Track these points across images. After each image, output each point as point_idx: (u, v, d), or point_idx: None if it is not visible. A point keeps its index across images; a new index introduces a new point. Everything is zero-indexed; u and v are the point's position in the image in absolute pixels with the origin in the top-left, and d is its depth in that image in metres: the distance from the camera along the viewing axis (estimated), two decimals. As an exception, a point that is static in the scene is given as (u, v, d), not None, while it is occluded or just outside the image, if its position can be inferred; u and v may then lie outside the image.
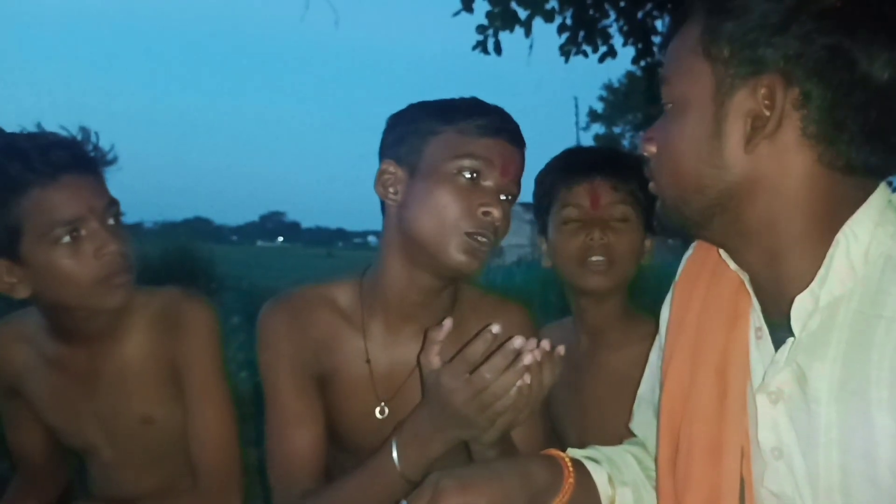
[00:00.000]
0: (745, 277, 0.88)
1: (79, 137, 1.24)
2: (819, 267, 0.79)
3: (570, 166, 1.44)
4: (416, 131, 1.18)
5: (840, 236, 0.79)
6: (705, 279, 0.95)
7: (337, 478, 1.21)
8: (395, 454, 1.07)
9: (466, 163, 1.14)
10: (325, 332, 1.24)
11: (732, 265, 0.89)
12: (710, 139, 0.81)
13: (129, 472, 1.39)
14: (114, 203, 1.26)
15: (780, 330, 0.84)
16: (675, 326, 0.98)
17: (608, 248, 1.37)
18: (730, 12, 0.79)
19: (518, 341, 0.97)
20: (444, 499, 0.82)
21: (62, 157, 1.20)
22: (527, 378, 0.99)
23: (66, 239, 1.19)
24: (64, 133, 1.24)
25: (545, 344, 1.00)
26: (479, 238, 1.14)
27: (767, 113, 0.78)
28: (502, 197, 1.17)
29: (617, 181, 1.40)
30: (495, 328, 0.99)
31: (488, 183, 1.16)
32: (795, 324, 0.80)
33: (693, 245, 1.02)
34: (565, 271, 1.43)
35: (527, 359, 0.97)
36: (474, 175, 1.15)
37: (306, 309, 1.25)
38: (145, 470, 1.39)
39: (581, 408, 1.45)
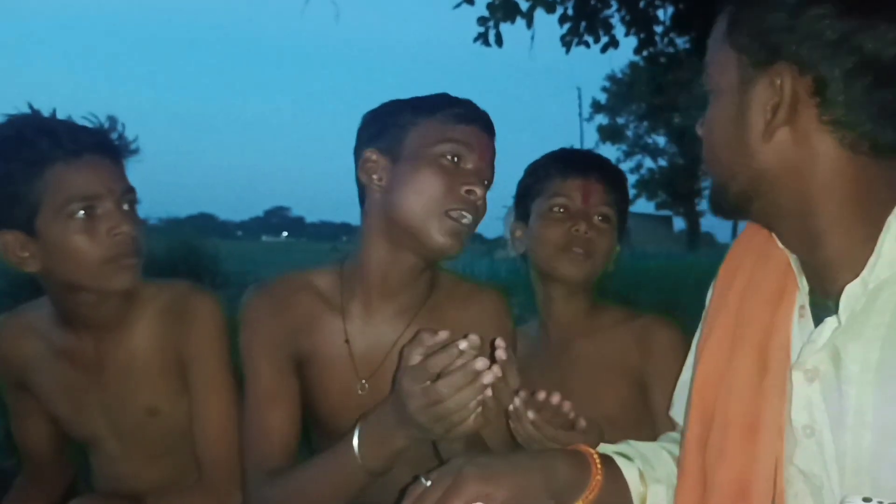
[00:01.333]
0: (792, 256, 0.90)
1: (105, 125, 1.30)
2: (863, 250, 0.80)
3: (569, 161, 1.53)
4: (395, 123, 1.26)
5: (891, 219, 0.80)
6: (751, 259, 0.96)
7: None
8: (355, 442, 1.08)
9: (448, 147, 1.22)
10: (305, 314, 1.29)
11: (780, 244, 0.91)
12: (736, 127, 0.84)
13: (133, 465, 1.41)
14: (131, 190, 1.30)
15: (821, 308, 0.86)
16: (716, 305, 0.99)
17: (589, 243, 1.45)
18: (750, 2, 0.83)
19: (480, 363, 0.97)
20: (465, 486, 0.83)
21: (88, 138, 1.26)
22: (488, 392, 0.99)
23: (81, 214, 1.23)
24: (93, 120, 1.30)
25: (501, 353, 1.02)
26: (463, 216, 1.21)
27: (783, 100, 0.80)
28: (482, 179, 1.24)
29: (607, 185, 1.49)
30: (462, 344, 0.99)
31: (469, 165, 1.23)
32: (844, 310, 0.80)
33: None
34: (543, 257, 1.48)
35: (487, 378, 0.97)
36: (455, 158, 1.22)
37: (286, 293, 1.30)
38: (150, 462, 1.41)
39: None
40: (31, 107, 1.28)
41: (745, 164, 0.84)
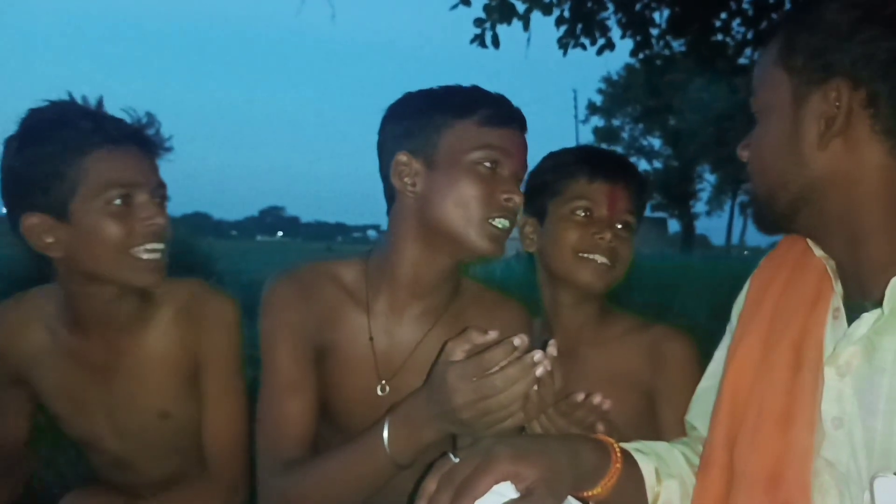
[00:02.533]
0: (829, 263, 0.96)
1: (144, 120, 1.30)
2: None
3: (596, 163, 1.45)
4: (428, 124, 1.21)
5: None
6: (787, 269, 1.04)
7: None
8: (385, 434, 1.07)
9: (485, 153, 1.20)
10: (329, 306, 1.27)
11: (818, 252, 0.97)
12: (789, 140, 0.91)
13: (136, 463, 1.40)
14: (163, 185, 1.30)
15: (854, 310, 0.91)
16: (750, 311, 1.05)
17: (612, 252, 1.39)
18: (803, 25, 0.90)
19: (538, 355, 0.98)
20: (496, 463, 0.82)
21: (130, 129, 1.27)
22: (535, 387, 1.00)
23: (118, 202, 1.22)
24: (132, 114, 1.30)
25: (552, 350, 1.02)
26: (503, 222, 1.21)
27: (838, 114, 0.87)
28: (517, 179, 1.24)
29: (633, 192, 1.44)
30: (517, 341, 0.99)
31: (506, 171, 1.21)
32: (888, 303, 0.85)
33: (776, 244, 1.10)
34: (557, 260, 1.42)
35: (539, 370, 0.98)
36: (493, 165, 1.20)
37: (311, 283, 1.27)
38: (152, 461, 1.40)
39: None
40: (70, 95, 1.27)
41: (798, 172, 0.91)
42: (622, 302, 1.52)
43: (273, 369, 1.23)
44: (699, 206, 35.23)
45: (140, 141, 1.28)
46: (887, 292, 0.85)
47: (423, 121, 1.22)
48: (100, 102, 1.28)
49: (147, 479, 1.40)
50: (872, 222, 0.89)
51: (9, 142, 1.24)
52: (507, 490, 0.81)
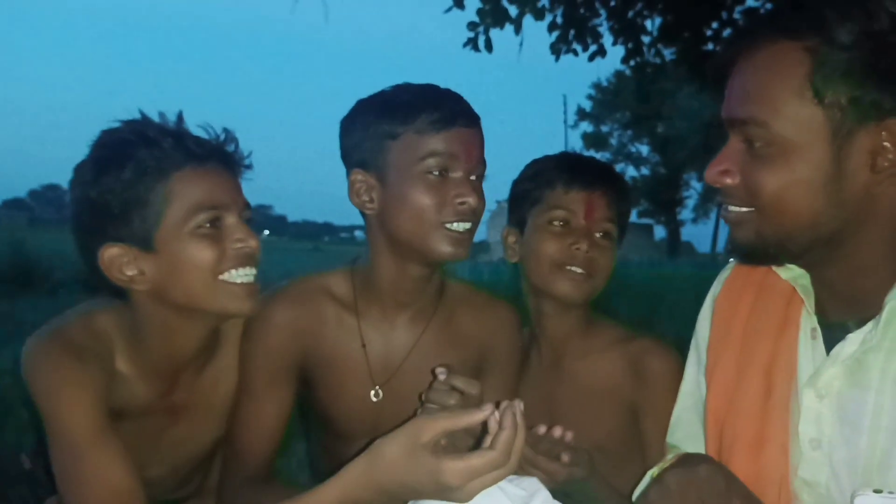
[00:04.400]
0: (799, 284, 0.94)
1: (223, 137, 1.19)
2: None
3: (573, 170, 1.41)
4: (373, 136, 1.21)
5: None
6: (751, 292, 1.02)
7: (331, 467, 1.14)
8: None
9: (431, 162, 1.18)
10: (322, 320, 1.29)
11: (786, 275, 0.95)
12: (829, 182, 0.85)
13: (165, 482, 1.31)
14: (248, 206, 1.19)
15: (834, 330, 0.91)
16: (719, 335, 1.04)
17: (590, 262, 1.36)
18: (839, 60, 0.83)
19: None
20: None
21: (212, 147, 1.17)
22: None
23: (207, 227, 1.12)
24: (209, 130, 1.19)
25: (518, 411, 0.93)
26: (462, 225, 1.20)
27: (889, 155, 0.83)
28: (472, 177, 1.21)
29: (612, 199, 1.39)
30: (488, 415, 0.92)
31: (457, 174, 1.19)
32: (887, 319, 0.86)
33: (729, 266, 1.09)
34: (538, 273, 1.39)
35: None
36: (442, 171, 1.19)
37: (302, 300, 1.29)
38: (179, 481, 1.34)
39: (549, 418, 1.44)
40: (142, 113, 1.15)
41: (835, 214, 0.86)
42: (607, 309, 1.51)
43: (248, 392, 1.26)
44: (685, 214, 35.49)
45: (223, 159, 1.17)
46: (886, 308, 0.85)
47: (369, 134, 1.21)
48: (180, 118, 1.16)
49: (164, 490, 1.32)
50: (886, 254, 0.88)
51: (80, 169, 1.13)
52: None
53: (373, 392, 1.28)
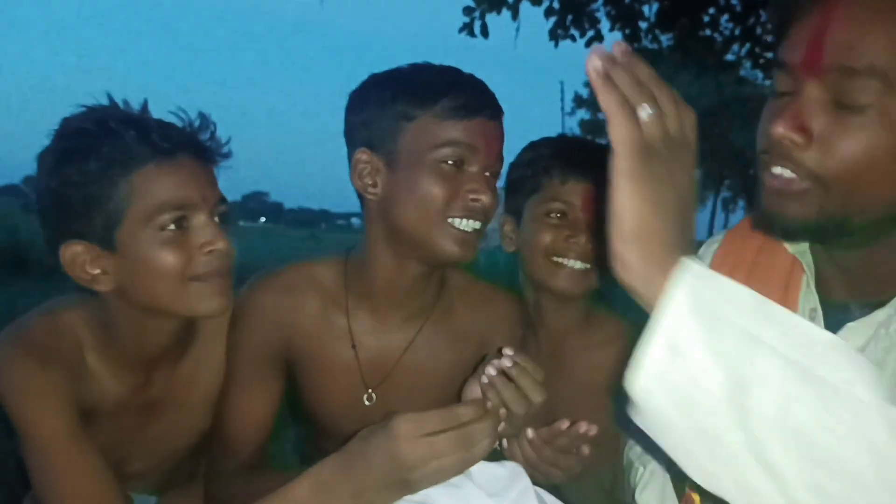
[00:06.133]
0: (804, 260, 0.88)
1: (196, 124, 1.11)
2: None
3: (571, 159, 1.33)
4: (386, 115, 1.11)
5: None
6: (744, 270, 0.94)
7: (311, 453, 1.25)
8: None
9: (449, 151, 1.08)
10: (309, 314, 1.21)
11: (793, 249, 0.88)
12: None
13: (148, 474, 1.30)
14: (223, 201, 1.12)
15: (835, 308, 0.85)
16: None
17: (588, 256, 1.31)
18: None
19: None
20: None
21: (182, 137, 1.08)
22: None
23: (172, 227, 1.05)
24: (182, 116, 1.11)
25: (506, 360, 0.97)
26: (472, 224, 1.11)
27: None
28: (487, 174, 1.12)
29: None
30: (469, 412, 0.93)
31: (473, 168, 1.10)
32: None
33: (714, 240, 1.02)
34: (532, 264, 1.35)
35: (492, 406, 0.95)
36: (458, 162, 1.09)
37: (289, 291, 1.21)
38: (162, 471, 1.32)
39: (547, 412, 1.43)
40: (111, 98, 1.09)
41: None
42: (607, 298, 1.47)
43: (235, 380, 1.22)
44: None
45: (194, 150, 1.08)
46: None
47: (383, 113, 1.11)
48: (144, 107, 1.10)
49: (145, 484, 1.31)
50: None
51: (43, 157, 1.07)
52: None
53: (365, 396, 1.21)
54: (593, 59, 0.64)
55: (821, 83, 0.76)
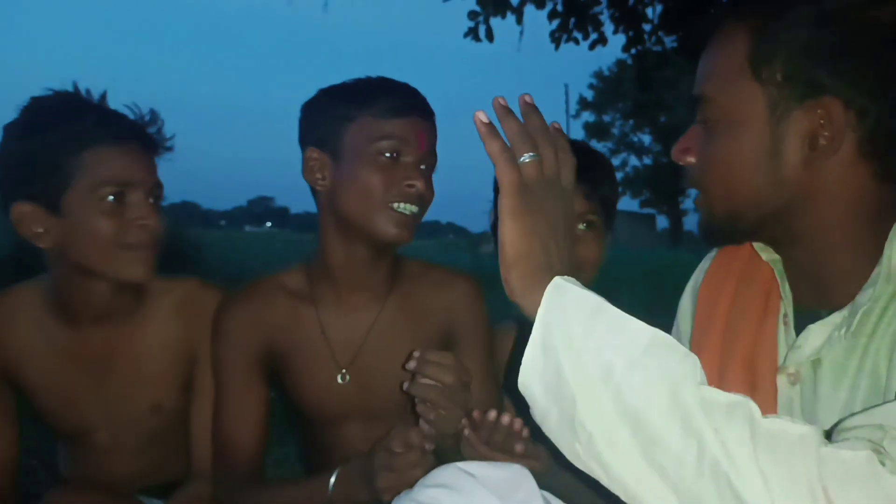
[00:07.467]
0: (777, 267, 0.94)
1: (147, 118, 1.30)
2: (867, 262, 0.85)
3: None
4: (332, 118, 1.27)
5: (892, 233, 0.84)
6: (733, 281, 1.00)
7: (305, 449, 1.40)
8: (332, 481, 1.18)
9: (385, 144, 1.24)
10: (280, 313, 1.33)
11: (766, 255, 0.95)
12: (767, 158, 0.85)
13: (123, 456, 1.40)
14: (159, 185, 1.30)
15: (805, 317, 0.90)
16: (702, 325, 1.03)
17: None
18: (778, 37, 0.83)
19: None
20: None
21: (132, 126, 1.28)
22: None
23: (111, 199, 1.22)
24: (135, 110, 1.30)
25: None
26: (408, 208, 1.24)
27: (826, 133, 0.83)
28: (422, 166, 1.27)
29: (589, 188, 1.30)
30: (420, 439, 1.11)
31: (407, 159, 1.25)
32: (861, 325, 0.83)
33: (709, 256, 1.07)
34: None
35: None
36: (394, 154, 1.24)
37: (260, 298, 1.34)
38: (140, 453, 1.40)
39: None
40: (75, 86, 1.27)
41: (774, 192, 0.86)
42: (611, 298, 1.45)
43: (224, 391, 1.32)
44: (688, 203, 35.41)
45: (141, 139, 1.28)
46: (860, 313, 0.83)
47: (328, 115, 1.27)
48: (103, 97, 1.29)
49: (132, 471, 1.39)
50: (845, 239, 0.87)
51: (8, 128, 1.24)
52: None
53: (339, 376, 1.32)
54: (480, 114, 0.77)
55: (697, 111, 0.92)
